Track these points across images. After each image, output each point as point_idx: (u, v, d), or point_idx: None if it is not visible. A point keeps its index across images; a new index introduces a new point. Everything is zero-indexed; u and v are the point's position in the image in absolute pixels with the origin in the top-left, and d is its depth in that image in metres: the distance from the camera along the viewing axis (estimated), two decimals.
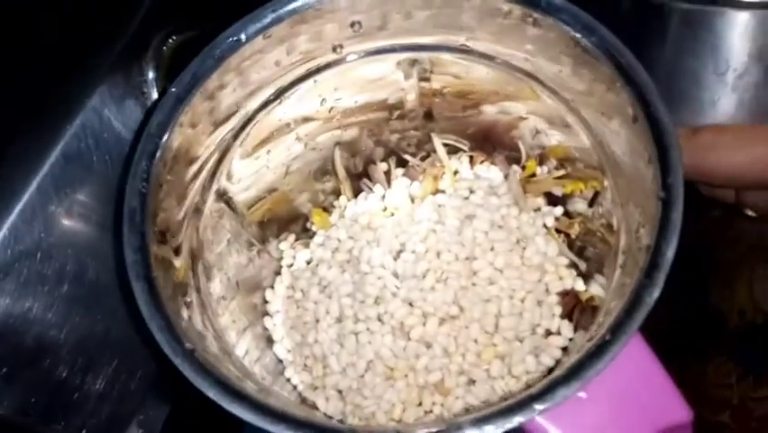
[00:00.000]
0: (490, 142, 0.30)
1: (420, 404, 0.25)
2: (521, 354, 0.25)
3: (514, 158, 0.29)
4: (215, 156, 0.24)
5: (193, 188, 0.24)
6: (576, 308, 0.26)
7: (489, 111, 0.28)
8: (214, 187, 0.25)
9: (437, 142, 0.30)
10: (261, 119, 0.26)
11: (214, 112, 0.24)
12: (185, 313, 0.21)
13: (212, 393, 0.18)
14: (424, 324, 0.25)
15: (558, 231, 0.28)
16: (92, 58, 0.28)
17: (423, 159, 0.31)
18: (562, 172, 0.27)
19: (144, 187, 0.21)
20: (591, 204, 0.26)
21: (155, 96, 0.29)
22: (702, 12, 0.23)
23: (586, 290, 0.26)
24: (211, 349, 0.21)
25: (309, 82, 0.26)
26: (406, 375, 0.25)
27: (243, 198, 0.27)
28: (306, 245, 0.30)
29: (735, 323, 0.39)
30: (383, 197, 0.30)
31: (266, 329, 0.28)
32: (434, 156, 0.31)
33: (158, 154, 0.22)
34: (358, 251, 0.28)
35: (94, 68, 0.27)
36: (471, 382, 0.25)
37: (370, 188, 0.31)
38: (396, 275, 0.27)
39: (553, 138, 0.27)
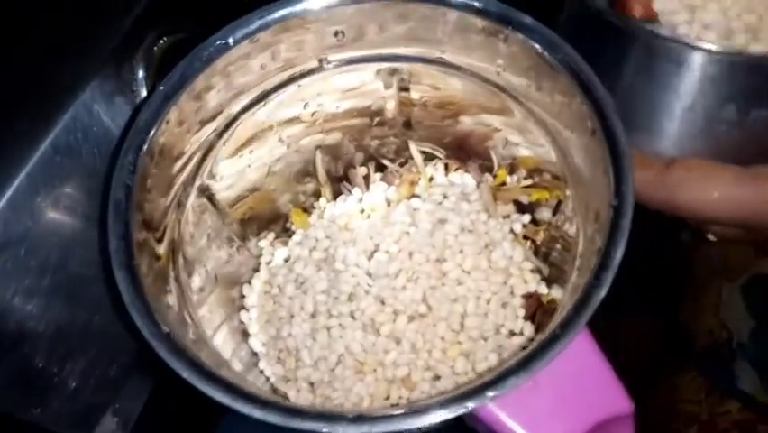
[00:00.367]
0: (465, 151, 0.31)
1: (387, 398, 0.26)
2: (484, 353, 0.26)
3: (486, 167, 0.31)
4: (200, 154, 0.26)
5: (177, 183, 0.25)
6: (539, 311, 0.27)
7: (467, 122, 0.30)
8: (197, 183, 0.26)
9: (414, 149, 0.31)
10: (246, 120, 0.27)
11: (200, 111, 0.25)
12: (164, 301, 0.22)
13: (186, 374, 0.19)
14: (394, 321, 0.27)
15: (525, 237, 0.29)
16: (85, 54, 0.29)
17: (401, 165, 0.32)
18: (529, 182, 0.29)
19: (130, 179, 0.22)
20: (555, 212, 0.27)
21: (144, 94, 0.30)
22: (664, 44, 0.24)
23: (548, 294, 0.27)
24: (189, 336, 0.22)
25: (293, 87, 0.28)
26: (375, 369, 0.26)
27: (226, 195, 0.28)
28: (285, 244, 0.31)
29: (703, 341, 0.40)
30: (361, 199, 0.31)
31: (242, 322, 0.29)
32: (412, 162, 0.32)
33: (144, 148, 0.23)
34: (334, 250, 0.29)
35: (86, 64, 0.28)
36: (437, 377, 0.26)
37: (349, 191, 0.32)
38: (369, 274, 0.28)
39: (523, 149, 0.28)
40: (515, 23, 0.24)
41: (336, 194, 0.32)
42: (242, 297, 0.30)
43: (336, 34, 0.26)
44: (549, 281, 0.28)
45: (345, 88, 0.29)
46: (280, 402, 0.19)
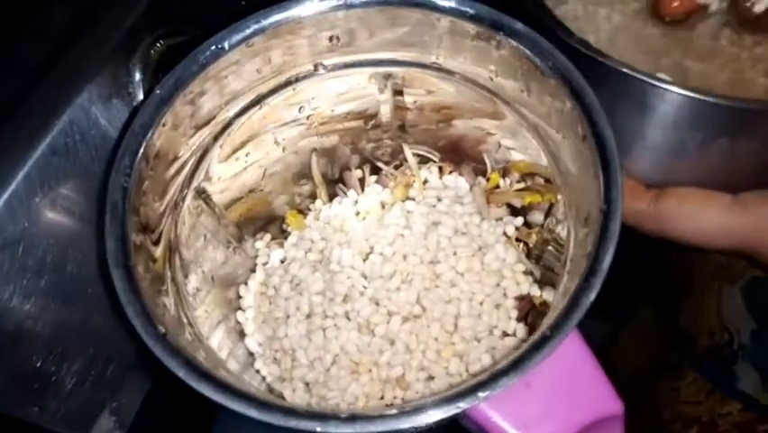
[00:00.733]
0: (459, 155, 0.32)
1: (382, 398, 0.27)
2: (478, 353, 0.26)
3: (480, 170, 0.31)
4: (195, 157, 0.26)
5: (173, 186, 0.25)
6: (531, 312, 0.28)
7: (460, 126, 0.30)
8: (193, 185, 0.26)
9: (408, 152, 0.32)
10: (242, 123, 0.27)
11: (194, 116, 0.25)
12: (161, 302, 0.22)
13: (182, 373, 0.19)
14: (388, 322, 0.27)
15: (518, 240, 0.30)
16: (82, 57, 0.29)
17: (396, 167, 0.33)
18: (522, 185, 0.29)
19: (126, 181, 0.22)
20: (547, 215, 0.28)
21: (141, 96, 0.30)
22: (638, 80, 0.24)
23: (540, 296, 0.27)
24: (185, 336, 0.22)
25: (288, 90, 0.28)
26: (369, 370, 0.27)
27: (222, 197, 0.28)
28: (281, 245, 0.32)
29: (704, 343, 0.40)
30: (356, 201, 0.32)
31: (238, 323, 0.29)
32: (406, 165, 0.32)
33: (140, 151, 0.23)
34: (329, 251, 0.29)
35: (84, 67, 0.29)
36: (431, 377, 0.26)
37: (345, 193, 0.32)
38: (364, 275, 0.28)
39: (515, 153, 0.29)
40: (506, 29, 0.24)
41: (332, 196, 0.33)
42: (239, 297, 0.30)
43: (331, 39, 0.27)
44: (541, 284, 0.28)
45: (340, 92, 0.29)
46: (275, 402, 0.19)
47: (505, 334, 0.27)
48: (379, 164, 0.33)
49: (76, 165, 0.28)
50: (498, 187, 0.30)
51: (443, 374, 0.26)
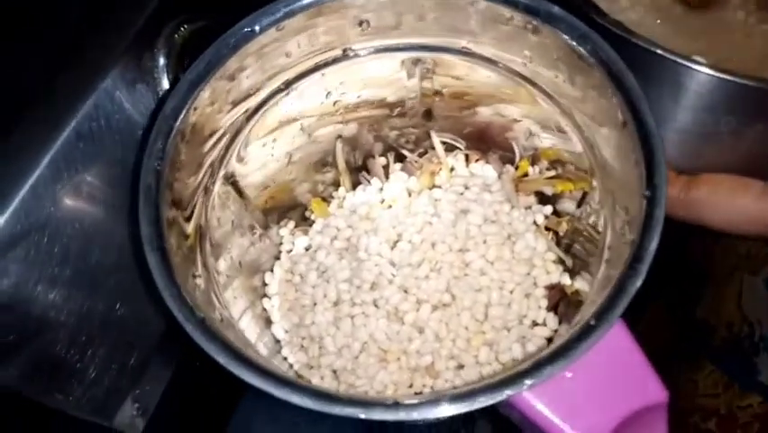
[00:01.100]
0: (485, 142, 0.31)
1: (411, 386, 0.26)
2: (508, 343, 0.26)
3: (508, 158, 0.31)
4: (229, 135, 0.26)
5: (206, 163, 0.25)
6: (561, 302, 0.27)
7: (485, 112, 0.30)
8: (223, 171, 0.26)
9: (436, 139, 0.31)
10: (270, 108, 0.27)
11: (230, 92, 0.25)
12: (194, 284, 0.22)
13: (221, 358, 0.19)
14: (417, 310, 0.27)
15: (547, 228, 0.29)
16: (107, 42, 0.28)
17: (420, 155, 0.32)
18: (552, 173, 0.29)
19: (159, 165, 0.22)
20: (580, 204, 0.27)
21: (165, 81, 0.30)
22: (673, 61, 0.24)
23: (571, 285, 0.27)
24: (218, 319, 0.22)
25: (317, 75, 0.28)
26: (398, 358, 0.26)
27: (249, 182, 0.28)
28: (305, 232, 0.31)
29: (723, 335, 0.40)
30: (381, 189, 0.31)
31: (264, 310, 0.29)
32: (432, 153, 0.32)
33: (172, 135, 0.23)
34: (356, 239, 0.29)
35: (108, 52, 0.28)
36: (460, 366, 0.26)
37: (368, 181, 0.32)
38: (392, 263, 0.28)
39: (546, 140, 0.28)
40: (543, 14, 0.24)
41: (355, 184, 0.32)
42: (264, 285, 0.30)
43: (361, 23, 0.26)
44: (571, 272, 0.28)
45: (368, 78, 0.29)
46: (314, 387, 0.19)
47: (535, 323, 0.27)
48: (404, 151, 0.32)
49: (100, 150, 0.27)
50: (526, 175, 0.30)
51: (473, 363, 0.26)
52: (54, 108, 0.27)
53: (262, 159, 0.28)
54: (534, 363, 0.18)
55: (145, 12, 0.30)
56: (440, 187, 0.31)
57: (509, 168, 0.30)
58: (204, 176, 0.25)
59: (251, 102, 0.26)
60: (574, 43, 0.23)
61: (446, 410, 0.18)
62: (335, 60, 0.27)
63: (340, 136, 0.31)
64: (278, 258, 0.31)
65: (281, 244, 0.31)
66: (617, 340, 0.19)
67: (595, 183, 0.25)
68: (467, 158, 0.32)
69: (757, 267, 0.38)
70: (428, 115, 0.31)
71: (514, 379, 0.18)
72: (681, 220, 0.26)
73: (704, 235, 0.28)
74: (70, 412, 0.28)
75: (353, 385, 0.26)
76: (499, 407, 0.20)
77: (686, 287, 0.43)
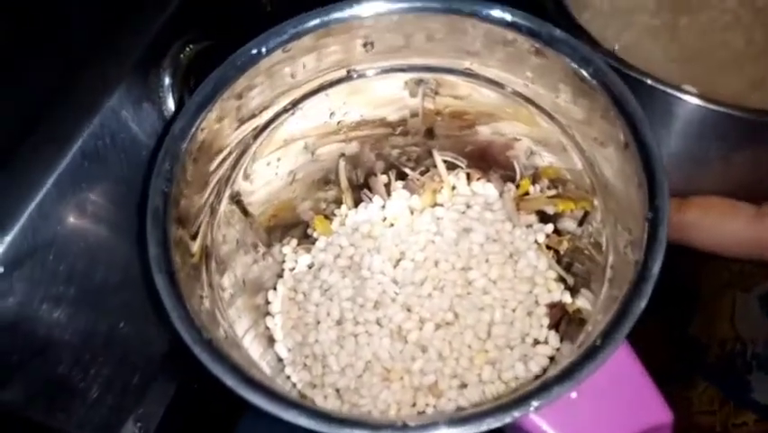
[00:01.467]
0: (486, 161, 0.32)
1: (414, 405, 0.26)
2: (511, 361, 0.26)
3: (509, 176, 0.31)
4: (235, 154, 0.26)
5: (213, 181, 0.25)
6: (563, 320, 0.28)
7: (485, 131, 0.30)
8: (229, 190, 0.26)
9: (438, 158, 0.32)
10: (276, 127, 0.27)
11: (238, 111, 0.25)
12: (200, 304, 0.22)
13: (229, 381, 0.19)
14: (420, 328, 0.27)
15: (548, 247, 0.29)
16: (113, 61, 0.29)
17: (422, 173, 0.33)
18: (554, 192, 0.29)
19: (167, 186, 0.22)
20: (581, 223, 0.28)
21: (170, 100, 0.30)
22: (663, 91, 0.25)
23: (573, 303, 0.27)
24: (222, 337, 0.22)
25: (321, 95, 0.28)
26: (401, 377, 0.26)
27: (253, 200, 0.28)
28: (308, 250, 0.32)
29: (715, 352, 0.40)
30: (383, 207, 0.32)
31: (268, 328, 0.29)
32: (433, 171, 0.32)
33: (180, 156, 0.23)
34: (359, 257, 0.29)
35: (114, 70, 0.28)
36: (463, 385, 0.26)
37: (370, 199, 0.32)
38: (395, 281, 0.28)
39: (547, 159, 0.29)
40: (545, 36, 0.24)
41: (357, 202, 0.33)
42: (267, 303, 0.30)
43: (365, 45, 0.27)
44: (573, 291, 0.28)
45: (371, 98, 0.29)
46: (321, 409, 0.19)
47: (536, 341, 0.27)
48: (406, 170, 0.33)
49: (106, 169, 0.28)
50: (528, 193, 0.30)
51: (476, 382, 0.26)
52: (60, 127, 0.27)
53: (267, 177, 0.29)
54: (541, 384, 0.18)
55: (151, 31, 0.30)
56: (442, 205, 0.31)
57: (510, 186, 0.31)
58: (210, 195, 0.25)
59: (258, 121, 0.26)
60: (576, 66, 0.24)
61: (455, 431, 0.18)
62: (340, 81, 0.28)
63: (343, 154, 0.31)
64: (280, 276, 0.31)
65: (284, 261, 0.31)
66: (621, 361, 0.20)
67: (596, 203, 0.26)
68: (468, 176, 0.32)
69: (750, 284, 0.39)
70: (430, 133, 0.32)
71: (521, 400, 0.18)
72: (671, 243, 0.27)
73: (695, 254, 0.28)
74: (71, 432, 0.28)
75: (357, 405, 0.26)
76: (505, 428, 0.20)
77: (678, 305, 0.44)
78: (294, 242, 0.32)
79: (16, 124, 0.27)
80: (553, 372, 0.18)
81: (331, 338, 0.27)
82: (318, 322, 0.28)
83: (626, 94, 0.22)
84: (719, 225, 0.26)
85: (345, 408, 0.27)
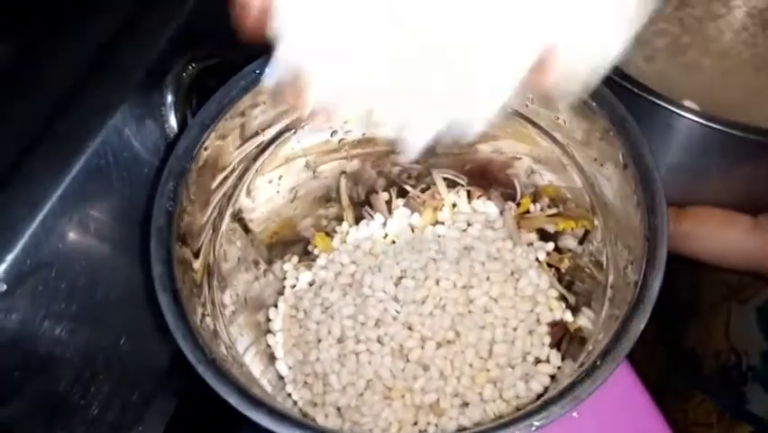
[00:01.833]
0: (487, 179, 0.32)
1: (416, 423, 0.26)
2: (512, 380, 0.26)
3: (509, 194, 0.31)
4: (237, 172, 0.26)
5: (213, 202, 0.25)
6: (564, 339, 0.28)
7: (484, 150, 0.30)
8: (231, 208, 0.26)
9: (437, 176, 0.32)
10: (279, 145, 0.27)
11: (242, 129, 0.25)
12: (202, 321, 0.22)
13: (233, 400, 0.19)
14: (422, 347, 0.27)
15: (549, 265, 0.30)
16: (116, 79, 0.29)
17: (422, 190, 0.33)
18: (554, 211, 0.29)
19: (171, 205, 0.22)
20: (582, 241, 0.28)
21: (172, 118, 0.30)
22: (664, 108, 0.25)
23: (574, 322, 0.27)
24: (224, 355, 0.22)
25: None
26: (403, 395, 0.26)
27: (255, 217, 0.29)
28: (308, 267, 0.32)
29: (711, 364, 0.40)
30: (384, 224, 0.32)
31: (269, 346, 0.29)
32: (434, 188, 0.32)
33: (183, 176, 0.23)
34: (360, 275, 0.29)
35: (117, 88, 0.29)
36: (465, 404, 0.26)
37: (371, 216, 0.32)
38: (396, 300, 0.28)
39: (547, 178, 0.29)
40: None
41: (358, 219, 0.33)
42: (268, 320, 0.30)
43: None
44: (574, 310, 0.28)
45: None
46: (326, 429, 0.19)
47: (538, 360, 0.27)
48: (407, 187, 0.33)
49: (108, 187, 0.28)
50: (528, 212, 0.30)
51: (478, 401, 0.26)
52: (63, 144, 0.27)
53: (268, 194, 0.29)
54: (542, 403, 0.18)
55: (154, 50, 0.30)
56: (443, 223, 0.31)
57: (511, 205, 0.31)
58: (212, 212, 0.25)
59: (260, 139, 0.26)
60: None
61: None
62: None
63: (344, 172, 0.32)
64: (281, 293, 0.31)
65: (285, 279, 0.31)
66: (621, 381, 0.20)
67: (596, 222, 0.26)
68: (469, 194, 0.32)
69: (745, 296, 0.39)
70: (430, 151, 0.32)
71: (522, 420, 0.18)
72: (669, 253, 0.27)
73: (691, 265, 0.28)
74: None
75: (358, 423, 0.26)
76: None
77: (674, 317, 0.44)
78: (295, 259, 0.32)
79: (20, 142, 0.27)
80: (553, 391, 0.19)
81: (332, 356, 0.28)
82: (319, 340, 0.28)
83: (626, 115, 0.23)
84: (716, 235, 0.26)
85: (347, 426, 0.27)
